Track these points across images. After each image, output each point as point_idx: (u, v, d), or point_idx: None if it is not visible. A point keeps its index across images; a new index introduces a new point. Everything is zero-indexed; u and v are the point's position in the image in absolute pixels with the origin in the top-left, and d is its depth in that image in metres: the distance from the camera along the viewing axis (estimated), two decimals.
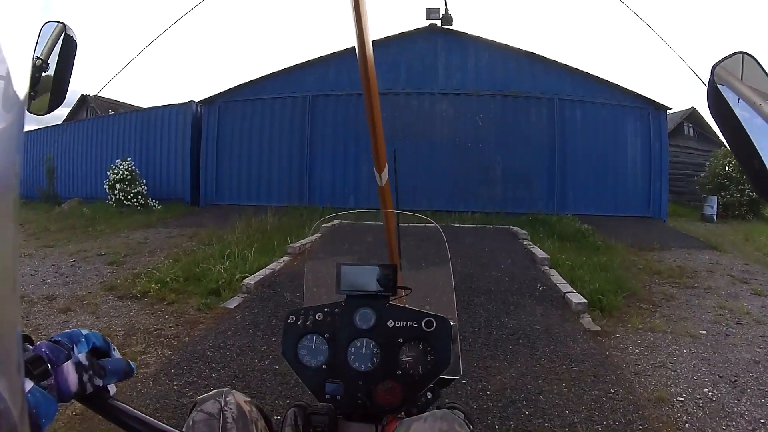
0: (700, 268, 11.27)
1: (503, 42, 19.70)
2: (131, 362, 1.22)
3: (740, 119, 1.07)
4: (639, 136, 19.56)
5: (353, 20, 1.83)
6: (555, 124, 19.13)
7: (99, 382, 1.10)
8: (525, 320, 7.25)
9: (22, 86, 0.55)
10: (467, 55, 19.63)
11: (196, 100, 21.55)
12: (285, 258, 10.76)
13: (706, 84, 1.11)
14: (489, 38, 19.68)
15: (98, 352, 1.20)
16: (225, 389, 1.42)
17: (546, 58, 19.52)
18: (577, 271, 10.04)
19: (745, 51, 1.13)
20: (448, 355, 1.73)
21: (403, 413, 1.72)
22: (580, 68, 19.52)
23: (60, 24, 1.53)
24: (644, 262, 11.85)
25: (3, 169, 0.52)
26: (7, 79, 0.54)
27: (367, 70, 2.15)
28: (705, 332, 7.16)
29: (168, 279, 9.02)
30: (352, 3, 1.76)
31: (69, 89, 1.60)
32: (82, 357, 1.09)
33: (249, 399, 1.45)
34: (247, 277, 9.12)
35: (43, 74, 1.52)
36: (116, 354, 1.24)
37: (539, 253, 11.33)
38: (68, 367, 1.05)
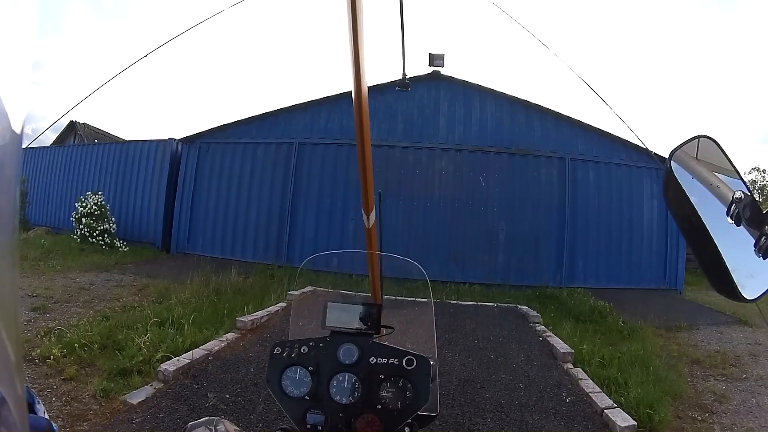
0: (741, 352, 9.96)
1: (511, 94, 18.30)
2: (54, 425, 1.01)
3: (696, 209, 1.14)
4: (655, 199, 17.99)
5: (349, 42, 1.83)
6: (566, 185, 17.56)
7: None
8: None
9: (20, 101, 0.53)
10: (472, 106, 18.18)
11: (177, 138, 20.35)
12: (230, 335, 8.69)
13: (663, 174, 1.20)
14: (496, 89, 18.33)
15: None
16: (216, 418, 1.38)
17: (557, 112, 18.10)
18: (608, 370, 8.14)
19: (704, 134, 1.22)
20: (426, 393, 1.85)
21: None
22: (593, 124, 18.12)
23: None
24: (677, 347, 10.33)
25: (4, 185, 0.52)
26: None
27: (361, 105, 2.14)
28: None
29: (78, 344, 7.34)
30: (350, 29, 1.78)
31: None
32: None
33: (238, 429, 1.40)
34: (171, 359, 7.12)
35: None
36: (40, 411, 1.08)
37: (559, 344, 9.22)
38: None
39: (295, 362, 1.94)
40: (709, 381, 8.16)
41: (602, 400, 6.55)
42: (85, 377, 6.46)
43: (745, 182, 1.17)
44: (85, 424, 5.39)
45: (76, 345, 7.26)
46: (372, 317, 2.00)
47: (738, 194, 1.12)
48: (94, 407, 5.73)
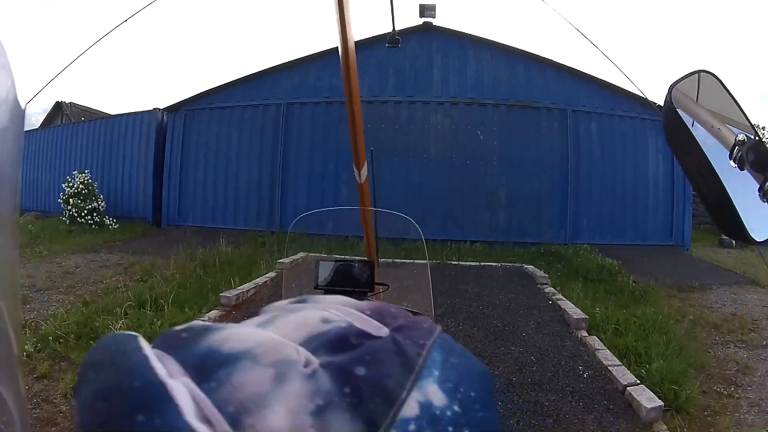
0: (758, 315, 9.48)
1: (508, 44, 17.65)
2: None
3: (701, 144, 1.07)
4: (660, 153, 17.47)
5: (335, 6, 1.87)
6: (568, 138, 16.98)
7: None
8: None
9: (22, 88, 0.57)
10: (467, 58, 17.49)
11: (162, 107, 19.77)
12: (213, 313, 8.10)
13: (663, 108, 1.11)
14: (492, 39, 17.62)
15: None
16: None
17: (557, 62, 17.40)
18: (625, 337, 7.59)
19: (704, 69, 1.13)
20: None
21: None
22: (595, 75, 17.43)
23: None
24: (692, 309, 9.83)
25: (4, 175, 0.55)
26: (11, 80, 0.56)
27: (348, 58, 2.16)
28: None
29: (53, 336, 6.79)
30: None
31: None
32: None
33: None
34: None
35: None
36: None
37: (571, 309, 8.61)
38: None
39: None
40: (730, 348, 7.75)
41: (623, 374, 5.94)
42: (59, 373, 5.99)
43: (749, 120, 1.10)
44: (53, 429, 4.93)
45: (51, 338, 6.76)
46: (365, 275, 1.94)
47: (741, 137, 1.06)
48: (64, 408, 5.25)
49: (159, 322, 7.33)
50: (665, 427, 4.96)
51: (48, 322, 7.34)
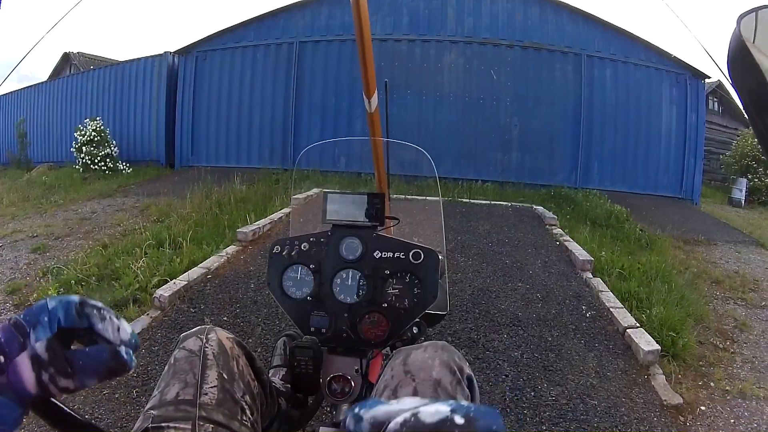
0: (760, 275, 9.47)
1: None
2: (125, 349, 0.85)
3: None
4: (674, 105, 17.46)
5: None
6: (582, 83, 16.88)
7: (68, 383, 0.80)
8: (573, 385, 4.75)
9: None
10: None
11: (173, 51, 19.69)
12: (230, 249, 8.17)
13: (729, 40, 0.93)
14: None
15: (71, 334, 0.87)
16: (207, 326, 1.46)
17: (573, 6, 17.24)
18: (628, 282, 7.72)
19: None
20: (435, 290, 1.76)
21: (388, 348, 1.87)
22: (612, 21, 17.28)
23: None
24: (696, 262, 9.89)
25: None
26: None
27: None
28: None
29: (74, 280, 6.82)
30: None
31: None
32: (39, 347, 0.80)
33: (231, 336, 1.47)
34: (167, 282, 6.55)
35: None
36: (109, 331, 0.87)
37: (577, 250, 8.76)
38: (21, 362, 0.79)
39: (295, 261, 1.87)
40: (729, 304, 7.86)
41: (624, 317, 6.09)
42: None
43: None
44: None
45: (73, 281, 6.82)
46: (376, 208, 1.89)
47: None
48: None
49: (178, 260, 7.42)
50: (661, 371, 5.08)
51: (69, 267, 7.38)
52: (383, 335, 1.74)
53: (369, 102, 2.75)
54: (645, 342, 5.43)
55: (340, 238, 1.85)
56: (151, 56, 20.00)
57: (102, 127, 18.22)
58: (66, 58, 32.11)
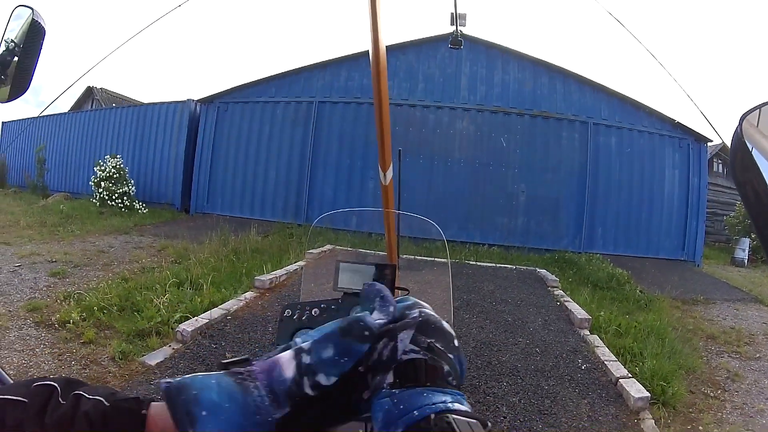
0: (756, 330, 9.85)
1: (534, 55, 18.07)
2: None
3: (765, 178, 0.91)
4: (677, 169, 17.85)
5: (368, 10, 1.92)
6: (588, 150, 17.36)
7: None
8: (565, 427, 5.18)
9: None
10: (494, 67, 17.94)
11: (195, 99, 20.15)
12: (249, 294, 8.61)
13: (731, 138, 0.99)
14: (519, 50, 18.08)
15: None
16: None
17: (581, 76, 17.80)
18: (624, 339, 8.14)
19: None
20: None
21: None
22: (617, 90, 17.86)
23: (28, 8, 1.48)
24: (692, 320, 10.27)
25: None
26: None
27: (378, 61, 2.15)
28: None
29: (97, 307, 7.21)
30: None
31: (37, 77, 1.56)
32: None
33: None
34: (189, 319, 7.05)
35: (15, 59, 1.50)
36: None
37: (576, 310, 9.22)
38: None
39: (305, 325, 1.83)
40: (723, 357, 8.14)
41: (617, 369, 6.52)
42: (104, 340, 6.42)
43: None
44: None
45: (95, 308, 7.18)
46: (386, 278, 1.91)
47: None
48: (113, 369, 5.69)
49: (199, 299, 7.85)
50: (650, 416, 5.49)
51: (90, 294, 7.78)
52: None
53: (384, 175, 2.74)
54: (636, 390, 5.85)
55: (350, 305, 1.81)
56: (175, 102, 20.52)
57: (122, 165, 18.65)
58: (89, 92, 32.70)
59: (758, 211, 0.94)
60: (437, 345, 0.87)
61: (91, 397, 0.77)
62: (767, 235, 0.91)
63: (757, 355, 8.38)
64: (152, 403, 0.80)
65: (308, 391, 0.78)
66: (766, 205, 0.92)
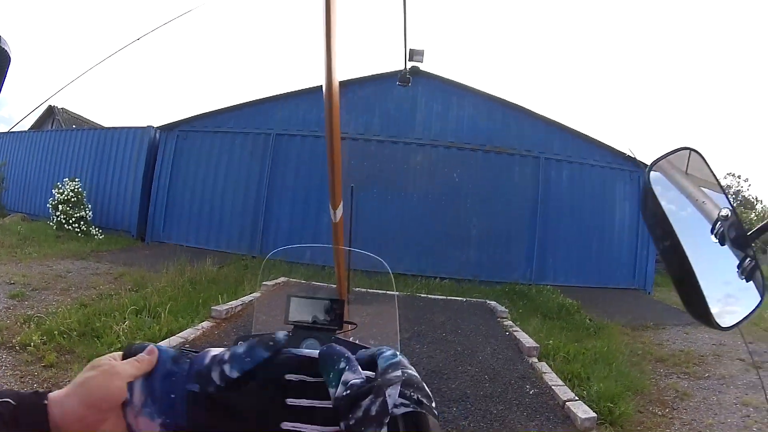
0: (705, 352, 10.20)
1: (489, 92, 18.51)
2: None
3: (673, 227, 1.09)
4: (627, 201, 18.37)
5: (323, 45, 2.01)
6: (539, 184, 17.83)
7: None
8: None
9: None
10: (449, 103, 18.33)
11: (156, 125, 20.07)
12: (206, 324, 8.67)
13: (642, 186, 1.16)
14: (474, 87, 18.53)
15: None
16: None
17: (533, 111, 18.34)
18: (572, 365, 8.31)
19: (688, 146, 1.19)
20: None
21: None
22: (569, 125, 18.42)
23: None
24: (642, 345, 10.59)
25: None
26: None
27: (332, 98, 2.24)
28: None
29: (57, 331, 7.22)
30: (324, 31, 1.96)
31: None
32: None
33: None
34: None
35: None
36: None
37: (525, 339, 9.40)
38: None
39: None
40: (672, 378, 8.33)
41: (564, 393, 6.68)
42: (65, 364, 6.41)
43: (729, 200, 1.14)
44: None
45: (56, 332, 7.18)
46: (335, 312, 1.94)
47: (724, 212, 1.09)
48: None
49: (157, 327, 7.93)
50: None
51: (50, 318, 7.80)
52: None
53: (334, 213, 2.89)
54: (582, 411, 6.01)
55: (300, 338, 1.88)
56: (135, 127, 20.41)
57: (80, 189, 18.42)
58: (50, 111, 32.32)
59: (664, 247, 1.08)
60: (423, 400, 0.95)
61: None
62: (680, 281, 1.07)
63: (706, 375, 8.60)
64: (49, 394, 0.92)
65: (215, 377, 0.98)
66: (670, 243, 1.06)
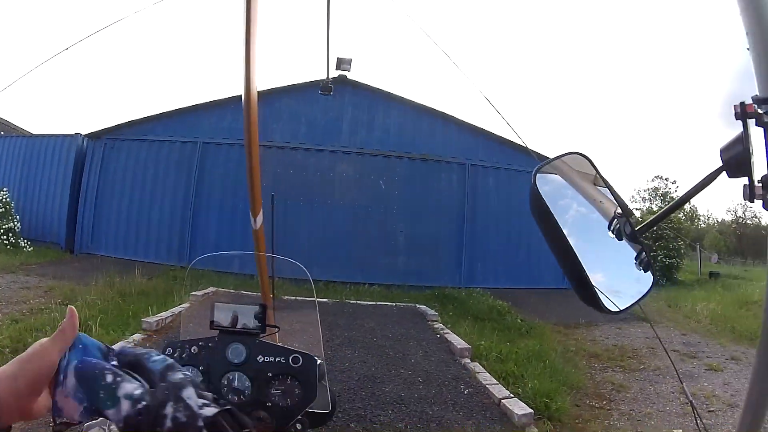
0: (639, 346, 10.53)
1: (415, 101, 18.65)
2: None
3: (559, 223, 1.17)
4: None
5: (242, 53, 2.11)
6: (466, 190, 18.10)
7: None
8: None
9: None
10: (376, 111, 18.43)
11: (83, 133, 19.37)
12: (137, 336, 8.53)
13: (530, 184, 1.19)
14: (401, 95, 18.61)
15: None
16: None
17: (459, 119, 18.61)
18: (505, 364, 8.47)
19: (578, 151, 1.24)
20: (314, 389, 1.96)
21: None
22: (495, 132, 18.45)
23: None
24: (575, 342, 10.93)
25: None
26: None
27: (250, 105, 2.32)
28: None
29: None
30: (243, 39, 2.07)
31: None
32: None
33: None
34: None
35: None
36: None
37: (456, 341, 9.54)
38: None
39: (186, 362, 1.94)
40: (607, 372, 8.57)
41: (499, 391, 6.86)
42: None
43: (619, 198, 1.19)
44: None
45: None
46: (258, 317, 2.01)
47: (619, 210, 1.15)
48: None
49: (93, 335, 7.57)
50: (536, 430, 5.73)
51: None
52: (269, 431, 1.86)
53: (254, 220, 3.04)
54: (519, 408, 6.23)
55: (226, 343, 1.97)
56: (62, 135, 19.71)
57: (8, 199, 17.67)
58: None
59: (552, 241, 1.18)
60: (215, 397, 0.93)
61: None
62: (573, 281, 1.14)
63: (641, 367, 8.84)
64: None
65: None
66: (556, 237, 1.16)
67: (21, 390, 0.85)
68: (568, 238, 1.15)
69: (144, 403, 0.83)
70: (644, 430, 5.97)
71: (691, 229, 35.67)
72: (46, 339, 0.94)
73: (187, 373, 0.96)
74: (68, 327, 0.97)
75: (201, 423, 0.82)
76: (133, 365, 0.98)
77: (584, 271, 1.12)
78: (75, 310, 1.00)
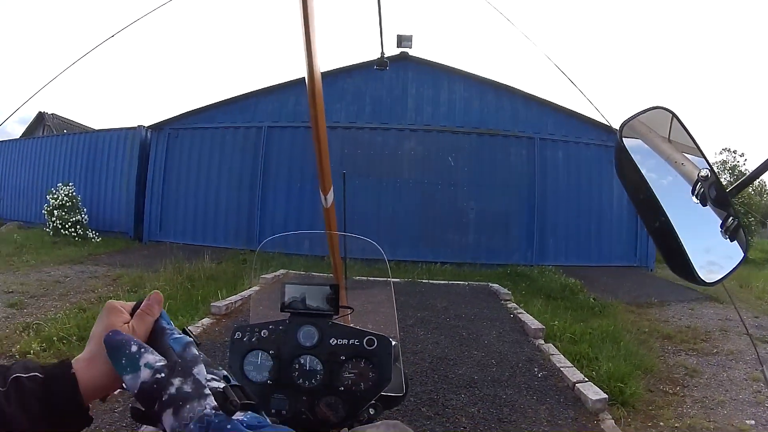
0: (711, 327, 10.05)
1: (480, 75, 18.30)
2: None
3: (652, 187, 1.09)
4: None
5: (302, 34, 2.05)
6: (535, 165, 17.70)
7: None
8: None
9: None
10: (441, 87, 18.17)
11: (146, 125, 19.96)
12: (206, 321, 8.65)
13: (615, 144, 1.14)
14: (465, 70, 18.30)
15: None
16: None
17: (526, 93, 18.21)
18: (579, 345, 8.21)
19: (660, 105, 1.16)
20: (389, 373, 1.85)
21: (346, 428, 1.80)
22: (562, 104, 18.20)
23: None
24: (648, 323, 10.44)
25: None
26: None
27: (314, 86, 2.26)
28: (753, 422, 5.83)
29: (56, 337, 7.18)
30: (302, 20, 2.00)
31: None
32: None
33: None
34: None
35: None
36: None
37: (530, 321, 9.31)
38: None
39: (256, 346, 1.92)
40: (680, 356, 8.23)
41: (573, 374, 6.59)
42: None
43: (707, 159, 1.13)
44: None
45: (55, 338, 7.14)
46: (330, 298, 1.96)
47: (704, 172, 1.07)
48: None
49: None
50: (610, 416, 5.56)
51: (49, 325, 7.75)
52: (340, 416, 1.81)
53: (325, 198, 2.90)
54: (593, 392, 5.92)
55: (297, 326, 1.92)
56: (125, 128, 20.33)
57: (74, 193, 18.36)
58: (40, 117, 32.17)
59: (638, 201, 1.12)
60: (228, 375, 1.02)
61: (27, 375, 0.88)
62: (661, 239, 1.09)
63: (714, 351, 8.50)
64: (73, 361, 0.97)
65: None
66: (643, 197, 1.09)
67: (98, 371, 0.93)
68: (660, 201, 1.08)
69: (162, 375, 0.90)
70: (716, 420, 5.85)
71: (762, 205, 34.37)
72: (129, 321, 1.04)
73: (201, 353, 1.02)
74: (152, 310, 1.07)
75: (207, 392, 0.89)
76: (154, 341, 1.03)
77: (678, 238, 1.07)
78: (159, 294, 1.10)
